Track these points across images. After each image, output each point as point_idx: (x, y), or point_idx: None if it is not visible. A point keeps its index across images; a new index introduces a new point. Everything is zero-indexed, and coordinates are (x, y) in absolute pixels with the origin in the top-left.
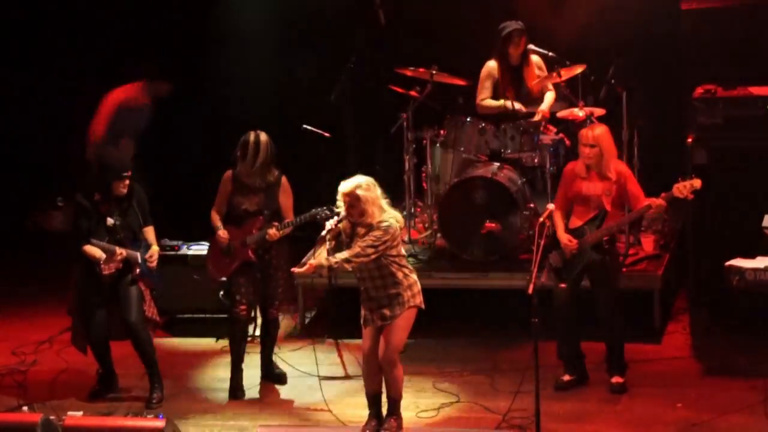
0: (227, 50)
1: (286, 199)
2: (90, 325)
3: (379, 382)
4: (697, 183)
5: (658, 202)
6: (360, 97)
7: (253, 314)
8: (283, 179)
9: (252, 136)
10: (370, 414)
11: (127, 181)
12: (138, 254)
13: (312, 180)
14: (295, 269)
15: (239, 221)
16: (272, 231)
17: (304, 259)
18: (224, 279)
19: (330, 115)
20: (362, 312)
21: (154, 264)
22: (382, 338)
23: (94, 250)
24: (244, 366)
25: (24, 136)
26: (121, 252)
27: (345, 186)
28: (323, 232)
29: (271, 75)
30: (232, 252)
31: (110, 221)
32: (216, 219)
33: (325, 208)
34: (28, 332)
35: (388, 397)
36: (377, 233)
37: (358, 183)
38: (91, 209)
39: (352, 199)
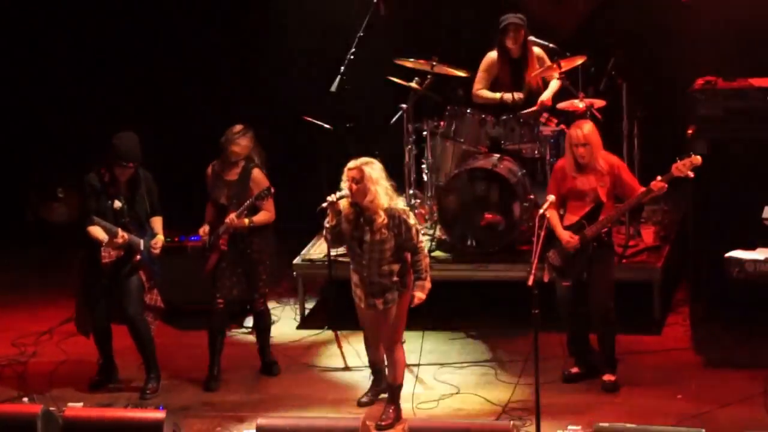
0: (223, 46)
1: (258, 189)
2: (92, 313)
3: (381, 353)
4: (696, 160)
5: (660, 185)
6: (360, 88)
7: (249, 307)
8: (255, 171)
9: (231, 128)
10: (372, 382)
11: (129, 171)
12: (141, 241)
13: (312, 171)
14: (417, 294)
15: (220, 215)
16: (230, 217)
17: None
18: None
19: (330, 107)
20: (360, 295)
21: (158, 251)
22: (384, 323)
23: (97, 232)
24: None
25: (24, 126)
26: (123, 235)
27: (352, 162)
28: (323, 204)
29: (272, 66)
30: (211, 246)
31: (117, 204)
32: (207, 214)
33: (265, 188)
34: (29, 323)
35: (388, 384)
36: (409, 224)
37: (366, 160)
38: (100, 190)
39: (357, 173)
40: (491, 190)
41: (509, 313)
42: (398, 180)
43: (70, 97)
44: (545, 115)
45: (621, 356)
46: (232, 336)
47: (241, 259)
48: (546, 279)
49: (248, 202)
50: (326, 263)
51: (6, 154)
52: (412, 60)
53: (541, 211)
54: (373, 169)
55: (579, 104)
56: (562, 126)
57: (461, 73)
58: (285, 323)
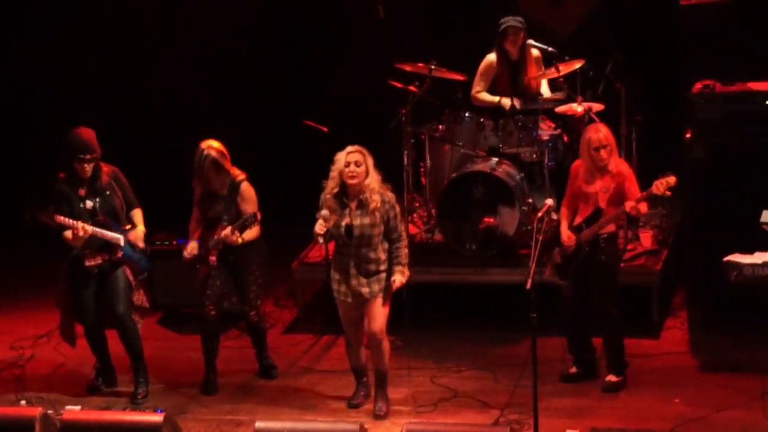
0: (220, 45)
1: (246, 205)
2: (82, 318)
3: (363, 356)
4: (671, 180)
5: (630, 204)
6: (358, 92)
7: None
8: (243, 186)
9: (198, 146)
10: (357, 385)
11: (89, 165)
12: (121, 237)
13: (309, 174)
14: (397, 278)
15: (209, 228)
16: (225, 231)
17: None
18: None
19: (328, 110)
20: (340, 288)
21: (141, 244)
22: (367, 315)
23: (67, 234)
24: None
25: (20, 129)
26: (82, 226)
27: (349, 147)
28: (320, 240)
29: (269, 70)
30: (200, 259)
31: (89, 204)
32: (191, 228)
33: (251, 215)
34: (26, 326)
35: (377, 371)
36: (397, 211)
37: (360, 147)
38: (70, 193)
39: (359, 155)
40: (489, 194)
41: (507, 317)
42: (397, 183)
43: (69, 97)
44: (543, 118)
45: (629, 359)
46: (229, 339)
47: (231, 271)
48: (547, 275)
49: (238, 223)
50: (323, 266)
51: (2, 156)
52: (410, 63)
53: (539, 214)
54: (370, 155)
55: (577, 108)
56: (560, 130)
57: (459, 77)
58: (283, 326)
